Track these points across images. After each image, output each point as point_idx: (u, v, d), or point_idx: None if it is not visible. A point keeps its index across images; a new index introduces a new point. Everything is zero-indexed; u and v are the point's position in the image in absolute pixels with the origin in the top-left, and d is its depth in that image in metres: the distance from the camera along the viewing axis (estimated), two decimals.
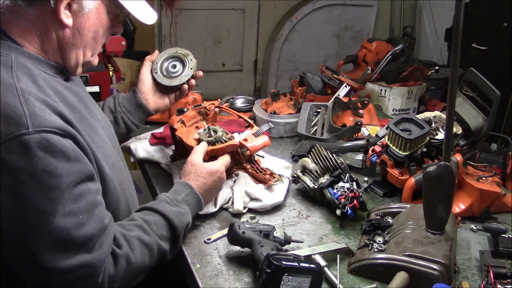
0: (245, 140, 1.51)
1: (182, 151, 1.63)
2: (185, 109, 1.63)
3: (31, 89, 1.04)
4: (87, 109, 1.22)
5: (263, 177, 1.54)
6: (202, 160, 1.42)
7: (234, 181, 1.53)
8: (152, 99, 1.64)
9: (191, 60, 1.67)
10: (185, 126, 1.60)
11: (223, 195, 1.48)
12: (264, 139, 1.53)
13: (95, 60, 1.27)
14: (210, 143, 1.50)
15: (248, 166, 1.57)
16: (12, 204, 0.99)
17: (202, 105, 1.66)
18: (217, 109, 1.66)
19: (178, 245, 1.28)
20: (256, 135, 1.53)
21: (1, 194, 0.98)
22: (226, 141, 1.51)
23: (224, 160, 1.45)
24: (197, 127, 1.60)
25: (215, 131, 1.53)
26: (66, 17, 1.12)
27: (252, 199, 1.50)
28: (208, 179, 1.38)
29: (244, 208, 1.48)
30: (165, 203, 1.28)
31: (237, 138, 1.52)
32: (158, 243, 1.20)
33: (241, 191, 1.49)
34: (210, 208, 1.46)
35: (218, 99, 1.72)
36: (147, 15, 1.28)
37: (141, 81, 1.64)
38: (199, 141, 1.52)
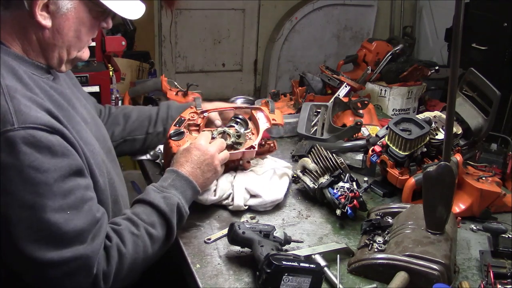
0: (274, 120, 1.59)
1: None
2: (181, 130, 1.52)
3: (16, 87, 1.04)
4: (74, 110, 1.21)
5: (267, 148, 1.61)
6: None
7: (234, 176, 1.53)
8: None
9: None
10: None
11: (223, 187, 1.47)
12: (278, 111, 1.64)
13: (84, 55, 1.24)
14: (235, 144, 1.51)
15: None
16: (1, 201, 0.98)
17: (184, 119, 1.56)
18: (205, 114, 1.60)
19: (172, 228, 1.24)
20: (272, 111, 1.61)
21: None
22: (241, 135, 1.53)
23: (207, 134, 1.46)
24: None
25: (229, 134, 1.52)
26: (44, 19, 1.10)
27: (252, 196, 1.50)
28: (195, 161, 1.34)
29: (245, 205, 1.48)
30: (151, 191, 1.26)
31: (262, 124, 1.58)
32: (148, 231, 1.18)
33: (241, 188, 1.49)
34: (211, 196, 1.45)
35: (192, 106, 1.61)
36: (131, 10, 1.22)
37: None
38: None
